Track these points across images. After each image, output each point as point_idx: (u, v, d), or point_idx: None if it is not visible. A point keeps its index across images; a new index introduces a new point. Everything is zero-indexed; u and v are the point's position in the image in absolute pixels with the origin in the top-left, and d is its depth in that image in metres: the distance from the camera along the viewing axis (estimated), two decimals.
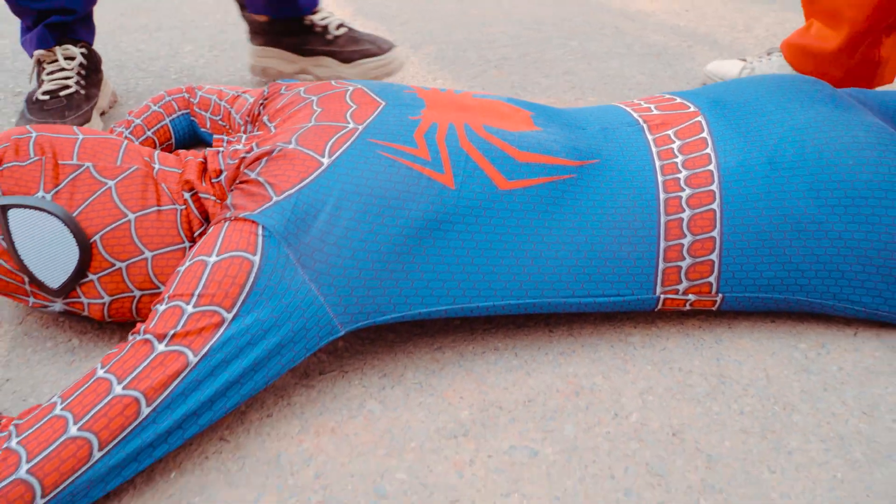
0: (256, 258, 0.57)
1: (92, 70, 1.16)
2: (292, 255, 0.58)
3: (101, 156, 0.67)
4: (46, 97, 1.09)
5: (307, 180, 0.60)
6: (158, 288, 0.67)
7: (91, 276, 0.65)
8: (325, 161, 0.62)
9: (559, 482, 0.57)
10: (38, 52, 1.12)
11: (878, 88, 1.23)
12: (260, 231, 0.58)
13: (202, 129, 0.97)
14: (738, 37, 1.63)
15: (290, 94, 0.74)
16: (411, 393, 0.66)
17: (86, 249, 0.64)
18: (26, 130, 0.66)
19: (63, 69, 1.12)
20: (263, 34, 1.30)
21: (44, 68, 1.13)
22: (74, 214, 0.63)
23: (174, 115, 0.96)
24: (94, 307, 0.67)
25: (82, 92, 1.12)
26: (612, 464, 0.59)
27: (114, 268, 0.65)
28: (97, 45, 1.55)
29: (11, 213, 0.62)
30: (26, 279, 0.65)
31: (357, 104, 0.68)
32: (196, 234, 0.68)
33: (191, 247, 0.68)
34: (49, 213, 0.63)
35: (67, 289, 0.65)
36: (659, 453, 0.59)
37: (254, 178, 0.62)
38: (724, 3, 1.92)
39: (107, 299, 0.66)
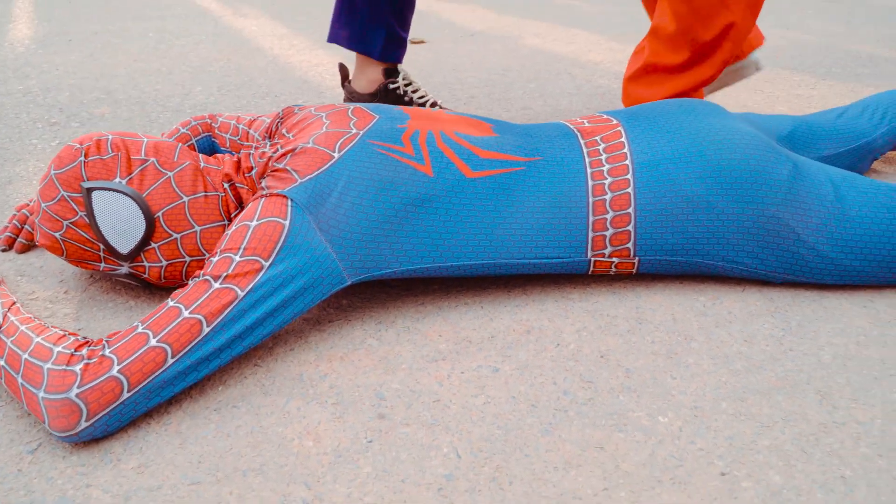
0: (286, 222, 0.77)
1: None
2: (313, 222, 0.78)
3: (162, 153, 0.86)
4: None
5: (323, 168, 0.81)
6: (203, 255, 0.86)
7: (153, 245, 0.84)
8: (336, 155, 0.82)
9: (515, 387, 0.76)
10: None
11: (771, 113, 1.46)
12: (289, 203, 0.78)
13: (222, 149, 1.17)
14: None
15: (304, 112, 0.95)
16: (401, 333, 0.85)
17: (151, 223, 0.83)
18: (103, 133, 0.86)
19: None
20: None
21: None
22: (143, 195, 0.83)
23: (199, 137, 1.17)
24: (154, 269, 0.85)
25: None
26: (555, 375, 0.78)
27: (171, 238, 0.84)
28: (118, 85, 1.76)
29: (95, 194, 0.82)
30: (101, 247, 0.84)
31: (357, 117, 0.89)
32: (232, 215, 0.88)
33: (228, 224, 0.87)
34: (124, 194, 0.82)
35: (134, 254, 0.84)
36: (590, 368, 0.79)
37: (282, 168, 0.82)
38: None
39: (164, 263, 0.85)
